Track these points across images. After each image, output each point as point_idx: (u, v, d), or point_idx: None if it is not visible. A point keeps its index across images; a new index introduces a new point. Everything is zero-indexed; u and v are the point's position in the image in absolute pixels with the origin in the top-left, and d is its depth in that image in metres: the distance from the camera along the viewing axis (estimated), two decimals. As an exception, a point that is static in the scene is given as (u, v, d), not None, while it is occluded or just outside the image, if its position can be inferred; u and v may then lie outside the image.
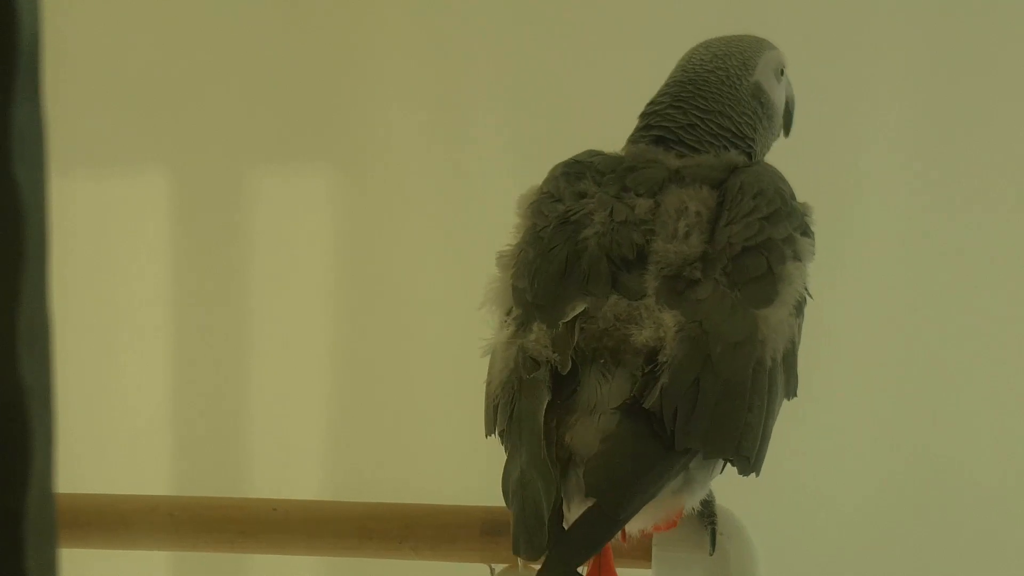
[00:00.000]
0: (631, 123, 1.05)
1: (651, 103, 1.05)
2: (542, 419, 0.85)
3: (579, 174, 0.98)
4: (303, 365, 1.73)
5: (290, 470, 1.72)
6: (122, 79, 1.72)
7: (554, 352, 0.88)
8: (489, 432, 0.93)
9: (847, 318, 1.59)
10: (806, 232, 0.96)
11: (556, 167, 1.01)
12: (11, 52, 0.38)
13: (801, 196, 0.99)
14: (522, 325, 0.91)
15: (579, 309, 0.89)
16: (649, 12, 1.64)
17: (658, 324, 0.88)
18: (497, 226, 1.02)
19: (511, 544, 0.84)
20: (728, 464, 0.89)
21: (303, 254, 1.73)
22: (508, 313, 0.94)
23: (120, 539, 1.09)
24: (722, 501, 1.01)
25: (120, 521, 1.08)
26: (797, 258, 0.93)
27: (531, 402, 0.87)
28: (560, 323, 0.89)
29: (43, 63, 0.39)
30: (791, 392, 0.93)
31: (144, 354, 1.74)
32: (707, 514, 1.00)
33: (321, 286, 1.73)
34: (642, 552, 1.00)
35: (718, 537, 0.99)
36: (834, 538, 1.61)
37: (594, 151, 1.02)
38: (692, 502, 0.92)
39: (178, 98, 1.71)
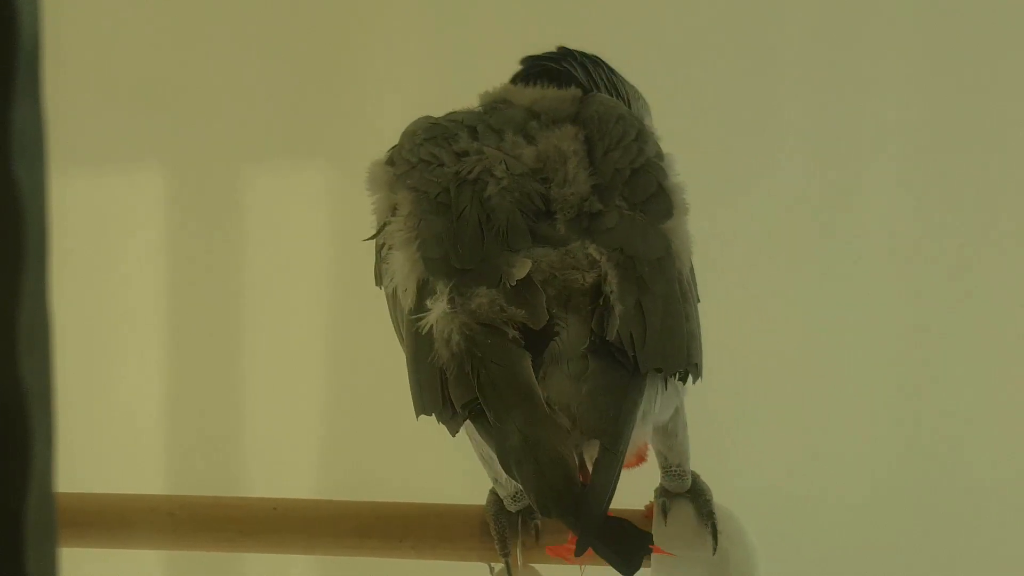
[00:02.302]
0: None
1: None
2: (532, 377, 0.83)
3: (447, 135, 0.96)
4: (302, 363, 1.73)
5: (289, 469, 1.72)
6: (118, 76, 1.71)
7: (520, 309, 0.86)
8: (430, 411, 0.87)
9: (846, 317, 1.59)
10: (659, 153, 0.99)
11: (412, 135, 0.98)
12: (11, 52, 0.38)
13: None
14: (460, 294, 0.87)
15: (526, 265, 0.87)
16: (650, 11, 1.64)
17: (591, 262, 0.89)
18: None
19: (535, 506, 0.78)
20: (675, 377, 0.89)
21: (301, 252, 1.72)
22: (423, 287, 0.90)
23: (120, 539, 1.09)
24: (722, 501, 1.01)
25: (120, 521, 1.08)
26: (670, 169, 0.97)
27: (506, 365, 0.84)
28: (514, 281, 0.87)
29: (43, 63, 0.39)
30: (696, 297, 0.95)
31: (142, 353, 1.74)
32: (707, 513, 0.99)
33: (319, 284, 1.72)
34: (642, 551, 1.00)
35: (718, 537, 0.99)
36: (834, 538, 1.61)
37: (443, 115, 1.01)
38: (652, 426, 0.91)
39: (174, 96, 1.71)
